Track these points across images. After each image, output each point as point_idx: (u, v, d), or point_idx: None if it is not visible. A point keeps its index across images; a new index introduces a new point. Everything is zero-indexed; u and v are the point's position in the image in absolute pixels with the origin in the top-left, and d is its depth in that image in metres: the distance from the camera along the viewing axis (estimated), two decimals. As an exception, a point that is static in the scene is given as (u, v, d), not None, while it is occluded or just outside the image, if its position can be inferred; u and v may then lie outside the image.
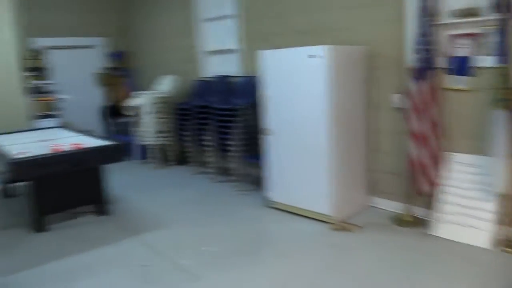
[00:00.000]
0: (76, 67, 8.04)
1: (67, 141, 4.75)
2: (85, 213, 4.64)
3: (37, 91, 7.01)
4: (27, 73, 6.90)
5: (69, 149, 4.10)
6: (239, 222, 4.22)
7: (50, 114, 7.05)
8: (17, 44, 6.44)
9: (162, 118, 6.50)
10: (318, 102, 3.84)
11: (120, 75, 8.24)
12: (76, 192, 4.37)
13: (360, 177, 4.33)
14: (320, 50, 3.74)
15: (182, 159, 6.67)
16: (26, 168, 3.75)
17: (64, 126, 6.56)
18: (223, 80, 5.92)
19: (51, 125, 6.73)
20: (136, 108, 6.50)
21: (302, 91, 3.97)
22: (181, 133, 6.24)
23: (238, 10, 5.63)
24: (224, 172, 5.98)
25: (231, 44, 5.89)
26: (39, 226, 4.18)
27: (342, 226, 3.98)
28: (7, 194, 5.40)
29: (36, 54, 7.23)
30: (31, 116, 6.74)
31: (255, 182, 5.45)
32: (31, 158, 3.78)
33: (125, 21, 8.33)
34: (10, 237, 4.15)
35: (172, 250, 3.67)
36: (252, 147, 5.29)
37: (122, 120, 7.64)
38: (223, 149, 5.32)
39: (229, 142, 5.13)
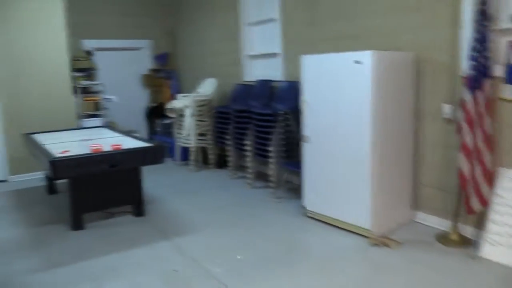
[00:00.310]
0: (122, 69, 8.23)
1: (108, 141, 4.81)
2: (121, 213, 4.67)
3: (85, 91, 7.21)
4: (76, 74, 7.11)
5: (108, 150, 4.13)
6: (274, 231, 4.09)
7: (96, 114, 7.22)
8: (67, 45, 6.65)
9: (202, 120, 6.50)
10: (361, 109, 3.66)
11: (164, 77, 8.34)
12: (113, 192, 4.40)
13: (404, 190, 4.09)
14: (365, 56, 3.56)
15: (221, 163, 6.63)
16: (65, 167, 3.80)
17: (108, 126, 6.70)
18: (265, 85, 5.83)
19: (96, 124, 6.90)
20: (178, 110, 6.53)
21: (344, 98, 3.80)
22: (221, 137, 6.19)
23: (282, 14, 5.52)
24: (262, 177, 5.88)
25: (274, 48, 5.79)
26: (76, 224, 4.24)
27: (382, 241, 3.76)
28: (51, 191, 5.55)
29: (85, 55, 7.45)
30: (78, 115, 6.94)
31: (293, 189, 5.30)
32: (71, 158, 3.84)
33: (171, 24, 8.44)
34: (48, 233, 4.23)
35: (204, 256, 3.60)
36: (291, 154, 5.15)
37: (165, 121, 7.72)
38: (262, 154, 5.22)
39: (268, 148, 5.02)
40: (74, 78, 7.06)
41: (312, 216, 4.33)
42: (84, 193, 4.23)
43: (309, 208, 4.36)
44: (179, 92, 7.99)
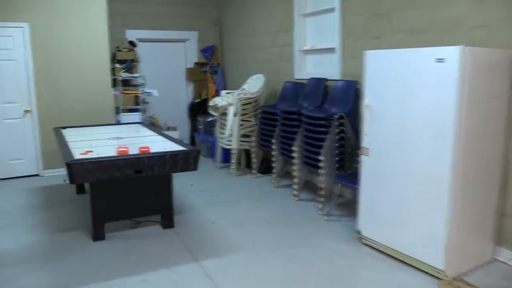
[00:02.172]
0: (165, 61, 7.78)
1: (139, 141, 4.31)
2: (148, 222, 4.16)
3: (125, 84, 6.82)
4: (117, 65, 6.72)
5: (134, 153, 3.61)
6: (321, 258, 3.41)
7: (136, 109, 6.81)
8: (109, 36, 6.26)
9: (247, 120, 5.90)
10: (440, 119, 2.90)
11: (209, 71, 7.81)
12: (139, 200, 3.89)
13: (486, 222, 3.28)
14: (450, 52, 2.79)
15: (264, 168, 6.01)
16: (83, 171, 3.31)
17: (146, 122, 6.26)
18: (318, 84, 5.13)
19: (135, 120, 6.48)
20: (221, 108, 5.96)
21: (417, 104, 3.04)
22: (265, 139, 5.57)
23: (342, 3, 4.79)
24: (310, 188, 5.19)
25: (331, 42, 5.07)
26: (96, 234, 3.76)
27: (457, 285, 2.99)
28: (80, 190, 5.15)
29: (128, 46, 7.05)
30: (116, 109, 6.55)
31: (346, 205, 4.59)
32: (90, 161, 3.34)
33: (218, 15, 7.90)
34: (67, 241, 3.78)
35: (235, 286, 3.00)
36: (346, 165, 4.44)
37: (208, 119, 7.20)
38: (311, 163, 4.54)
39: (318, 157, 4.33)
40: (114, 70, 6.68)
41: (369, 244, 3.61)
42: (106, 200, 3.75)
43: (365, 234, 3.64)
44: (224, 88, 7.44)
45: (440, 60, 2.84)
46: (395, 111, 3.23)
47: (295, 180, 4.90)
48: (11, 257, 3.50)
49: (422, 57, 2.97)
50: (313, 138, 4.45)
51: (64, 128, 5.23)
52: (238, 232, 3.97)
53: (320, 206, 4.47)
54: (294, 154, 4.79)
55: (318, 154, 4.35)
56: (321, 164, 4.33)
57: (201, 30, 7.87)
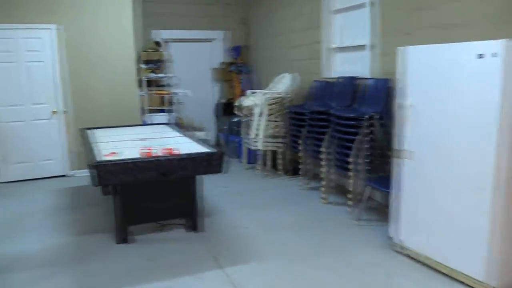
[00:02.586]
0: (193, 61, 7.73)
1: (165, 142, 4.23)
2: (174, 225, 4.07)
3: (152, 85, 6.78)
4: (144, 66, 6.70)
5: (159, 155, 3.52)
6: (352, 267, 3.23)
7: (163, 109, 6.76)
8: (136, 35, 6.23)
9: (275, 121, 5.75)
10: (486, 120, 2.67)
11: (237, 71, 7.70)
12: (165, 203, 3.80)
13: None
14: (496, 46, 2.57)
15: (292, 170, 5.84)
16: (107, 173, 3.24)
17: (173, 123, 6.20)
18: (350, 82, 4.93)
19: (162, 120, 6.43)
20: (249, 107, 5.83)
21: (460, 103, 2.83)
22: (293, 140, 5.41)
23: (375, -3, 4.58)
24: (340, 191, 5.00)
25: (363, 39, 4.86)
26: (120, 237, 3.69)
27: (502, 298, 2.76)
28: (106, 191, 5.11)
29: (155, 46, 7.02)
30: (143, 110, 6.52)
31: (377, 210, 4.38)
32: (113, 163, 3.27)
33: (246, 14, 7.78)
34: (92, 244, 3.73)
35: (262, 298, 2.85)
36: (378, 167, 4.23)
37: (235, 119, 7.08)
38: (341, 165, 4.36)
39: (349, 159, 4.14)
40: (141, 71, 6.65)
41: (403, 252, 3.40)
42: (131, 203, 3.67)
43: (400, 241, 3.43)
44: (251, 88, 7.31)
45: (481, 56, 2.61)
46: (436, 110, 3.01)
47: (324, 183, 4.72)
48: (36, 260, 3.47)
49: (465, 52, 2.75)
50: (342, 139, 4.26)
51: (90, 129, 5.21)
52: (265, 238, 3.83)
53: (349, 210, 4.28)
54: (323, 156, 4.61)
55: (348, 155, 4.16)
56: (350, 166, 4.14)
57: (228, 30, 7.78)
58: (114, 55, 6.07)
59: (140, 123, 6.36)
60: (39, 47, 5.71)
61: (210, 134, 7.45)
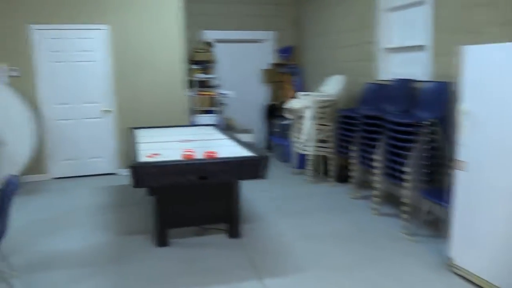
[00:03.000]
0: (242, 62, 7.63)
1: (208, 145, 4.12)
2: (214, 229, 3.94)
3: (200, 85, 6.74)
4: (192, 66, 6.67)
5: (198, 158, 3.40)
6: (400, 285, 2.94)
7: (210, 110, 6.70)
8: (184, 36, 6.21)
9: (324, 125, 5.50)
10: None
11: (287, 72, 7.51)
12: (205, 207, 3.68)
13: None
14: None
15: (341, 176, 5.56)
16: (146, 175, 3.16)
17: (221, 124, 6.11)
18: (404, 85, 4.60)
19: (210, 121, 6.37)
20: (298, 110, 5.62)
21: (534, 110, 2.47)
22: (344, 146, 5.13)
23: (437, -7, 4.23)
24: (392, 201, 4.68)
25: (420, 39, 4.51)
26: (160, 240, 3.61)
27: None
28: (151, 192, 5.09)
29: (204, 47, 6.98)
30: (190, 110, 6.49)
31: (434, 224, 4.02)
32: (153, 165, 3.18)
33: (297, 13, 7.58)
34: (132, 244, 3.68)
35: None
36: (435, 179, 3.88)
37: (284, 122, 6.90)
38: (394, 174, 4.05)
39: (405, 168, 3.83)
40: (190, 71, 6.63)
41: (461, 273, 3.05)
42: (171, 206, 3.59)
43: (458, 262, 3.09)
44: (302, 90, 7.10)
45: None
46: (501, 117, 2.67)
47: (375, 192, 4.41)
48: (76, 258, 3.46)
49: (541, 52, 2.40)
50: (397, 146, 3.95)
51: (137, 128, 5.22)
52: (309, 248, 3.60)
53: (403, 223, 3.96)
54: (375, 163, 4.31)
55: (403, 164, 3.84)
56: (405, 177, 3.83)
57: (279, 30, 7.61)
58: (162, 55, 6.08)
59: (188, 123, 6.34)
60: (92, 47, 5.82)
61: (257, 137, 7.30)
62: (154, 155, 3.57)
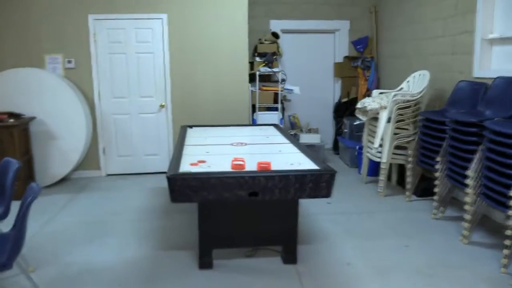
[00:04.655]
0: (310, 54, 6.96)
1: (264, 150, 3.55)
2: (267, 250, 3.37)
3: (263, 80, 6.17)
4: (255, 59, 6.12)
5: (250, 171, 2.83)
6: None
7: (273, 107, 6.12)
8: (249, 26, 5.66)
9: (404, 129, 4.71)
10: None
11: (361, 66, 6.72)
12: (256, 226, 3.11)
13: None
14: None
15: (422, 189, 4.75)
16: (185, 188, 2.66)
17: (280, 125, 5.52)
18: (511, 86, 3.69)
19: (273, 119, 5.82)
20: (371, 111, 4.87)
21: None
22: (427, 154, 4.32)
23: None
24: (489, 228, 3.82)
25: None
26: (202, 261, 3.11)
27: None
28: (203, 197, 4.64)
29: (268, 38, 6.40)
30: (253, 107, 5.96)
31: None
32: (194, 177, 2.66)
33: (374, 0, 6.73)
34: (169, 264, 3.21)
35: None
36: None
37: (355, 121, 6.15)
38: (494, 197, 3.21)
39: (510, 192, 2.99)
40: (253, 64, 6.08)
41: None
42: (216, 223, 3.06)
43: None
44: (377, 87, 6.30)
45: None
46: None
47: (467, 216, 3.58)
48: (106, 275, 3.07)
49: None
50: (501, 163, 3.11)
51: (191, 127, 4.78)
52: (375, 283, 2.91)
53: (504, 261, 3.12)
54: (469, 181, 3.48)
55: (509, 186, 3.01)
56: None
57: (354, 19, 6.82)
58: (223, 47, 5.58)
59: (248, 122, 5.82)
60: (149, 38, 5.46)
61: (323, 137, 6.59)
62: (199, 163, 3.06)
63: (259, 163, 2.92)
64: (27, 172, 4.96)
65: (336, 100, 7.08)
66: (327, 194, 2.83)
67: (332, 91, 7.09)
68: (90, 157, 5.60)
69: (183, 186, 2.66)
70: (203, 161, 3.12)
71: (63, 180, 5.40)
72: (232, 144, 3.79)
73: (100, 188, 5.18)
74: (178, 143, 3.81)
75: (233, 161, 2.97)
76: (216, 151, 3.50)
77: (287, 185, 2.74)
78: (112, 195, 4.92)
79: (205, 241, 3.08)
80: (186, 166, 2.95)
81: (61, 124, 5.09)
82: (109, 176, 5.69)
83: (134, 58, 5.48)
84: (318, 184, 2.77)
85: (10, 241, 2.35)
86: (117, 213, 4.33)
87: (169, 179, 2.65)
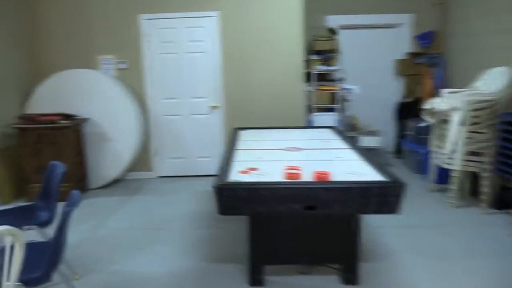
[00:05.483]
0: (371, 51, 6.50)
1: (321, 157, 3.22)
2: (322, 268, 3.04)
3: (320, 79, 5.82)
4: (312, 57, 5.78)
5: (306, 181, 2.53)
6: None
7: (330, 108, 5.76)
8: (304, 22, 5.34)
9: (479, 132, 4.20)
10: None
11: (427, 63, 6.18)
12: (311, 242, 2.80)
13: None
14: None
15: (500, 201, 4.21)
16: (233, 199, 2.40)
17: (343, 125, 5.14)
18: None
19: (330, 121, 5.46)
20: (442, 112, 4.39)
21: None
22: (506, 162, 3.81)
23: None
24: None
25: None
26: (253, 278, 2.84)
27: None
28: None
29: (325, 34, 6.03)
30: (307, 108, 5.63)
31: None
32: (243, 187, 2.40)
33: (444, -9, 6.17)
34: (217, 279, 2.98)
35: None
36: None
37: (420, 123, 5.64)
38: None
39: None
40: (309, 63, 5.75)
41: None
42: (268, 238, 2.78)
43: None
44: (446, 86, 5.75)
45: None
46: None
47: (560, 236, 3.07)
48: (149, 286, 2.87)
49: None
50: None
51: (242, 129, 4.54)
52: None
53: None
54: None
55: None
56: None
57: (418, 12, 6.29)
58: (278, 44, 5.31)
59: (304, 123, 5.50)
60: (202, 37, 5.29)
61: (385, 140, 6.12)
62: (250, 170, 2.80)
63: (317, 173, 2.61)
64: (80, 173, 4.95)
65: (398, 100, 6.58)
66: (395, 210, 2.47)
67: (394, 91, 6.59)
68: (142, 159, 5.53)
69: (230, 198, 2.41)
70: (254, 169, 2.85)
71: (116, 181, 5.35)
72: (286, 149, 3.50)
73: (152, 191, 5.08)
74: (228, 147, 3.57)
75: (287, 169, 2.68)
76: (268, 157, 3.22)
77: (349, 199, 2.41)
78: (163, 199, 4.80)
79: (256, 256, 2.81)
80: (234, 175, 2.69)
81: (113, 125, 5.04)
82: (161, 178, 5.59)
83: (186, 58, 5.33)
84: (385, 198, 2.42)
85: (48, 253, 2.21)
86: (167, 219, 4.18)
87: (215, 189, 2.41)
